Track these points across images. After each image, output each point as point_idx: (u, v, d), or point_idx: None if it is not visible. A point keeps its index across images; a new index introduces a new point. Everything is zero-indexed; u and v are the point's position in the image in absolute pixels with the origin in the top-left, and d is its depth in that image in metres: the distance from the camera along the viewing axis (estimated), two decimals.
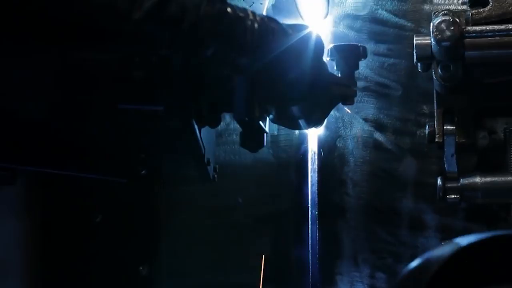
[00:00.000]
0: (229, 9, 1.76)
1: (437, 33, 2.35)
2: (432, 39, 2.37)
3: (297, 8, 2.56)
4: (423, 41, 2.44)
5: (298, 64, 1.89)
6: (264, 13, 2.33)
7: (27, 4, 1.51)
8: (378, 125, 2.67)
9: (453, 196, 2.48)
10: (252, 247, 2.70)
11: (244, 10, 1.80)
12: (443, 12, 2.40)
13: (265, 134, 2.07)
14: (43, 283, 2.72)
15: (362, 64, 2.68)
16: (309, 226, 2.57)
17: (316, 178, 2.58)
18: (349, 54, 2.12)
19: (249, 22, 1.78)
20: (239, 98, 1.97)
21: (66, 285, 2.71)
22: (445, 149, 2.47)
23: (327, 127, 2.63)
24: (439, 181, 2.49)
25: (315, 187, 2.58)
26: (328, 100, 2.03)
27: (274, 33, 1.84)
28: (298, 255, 2.61)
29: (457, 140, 2.45)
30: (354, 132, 2.68)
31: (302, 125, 2.06)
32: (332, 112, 2.65)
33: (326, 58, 2.08)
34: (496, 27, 2.37)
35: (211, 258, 2.71)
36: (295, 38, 1.88)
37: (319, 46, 1.96)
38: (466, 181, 2.47)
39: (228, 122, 2.69)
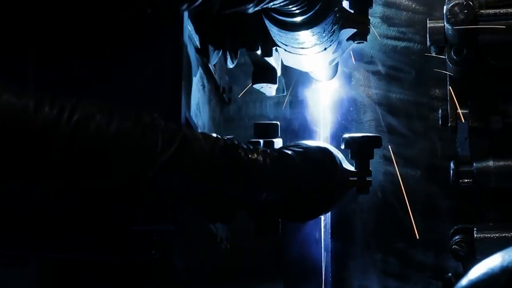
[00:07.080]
0: (241, 154, 1.76)
1: (451, 16, 2.33)
2: (445, 23, 2.36)
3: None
4: (436, 25, 2.43)
5: (313, 185, 1.93)
6: (274, 92, 2.39)
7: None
8: (391, 109, 2.66)
9: (466, 180, 2.47)
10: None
11: (256, 150, 1.81)
12: None
13: (279, 221, 2.08)
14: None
15: (375, 47, 2.67)
16: None
17: None
18: (363, 145, 2.14)
19: (261, 161, 1.80)
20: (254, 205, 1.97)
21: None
22: (458, 133, 2.46)
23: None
24: (452, 165, 2.48)
25: None
26: (343, 193, 2.08)
27: (286, 167, 1.86)
28: (310, 240, 2.61)
29: (470, 124, 2.44)
30: (366, 116, 2.67)
31: None
32: (344, 96, 2.66)
33: (341, 146, 2.14)
34: (510, 10, 2.36)
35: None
36: (306, 164, 1.92)
37: (331, 163, 1.99)
38: (479, 165, 2.46)
39: (240, 105, 2.69)
